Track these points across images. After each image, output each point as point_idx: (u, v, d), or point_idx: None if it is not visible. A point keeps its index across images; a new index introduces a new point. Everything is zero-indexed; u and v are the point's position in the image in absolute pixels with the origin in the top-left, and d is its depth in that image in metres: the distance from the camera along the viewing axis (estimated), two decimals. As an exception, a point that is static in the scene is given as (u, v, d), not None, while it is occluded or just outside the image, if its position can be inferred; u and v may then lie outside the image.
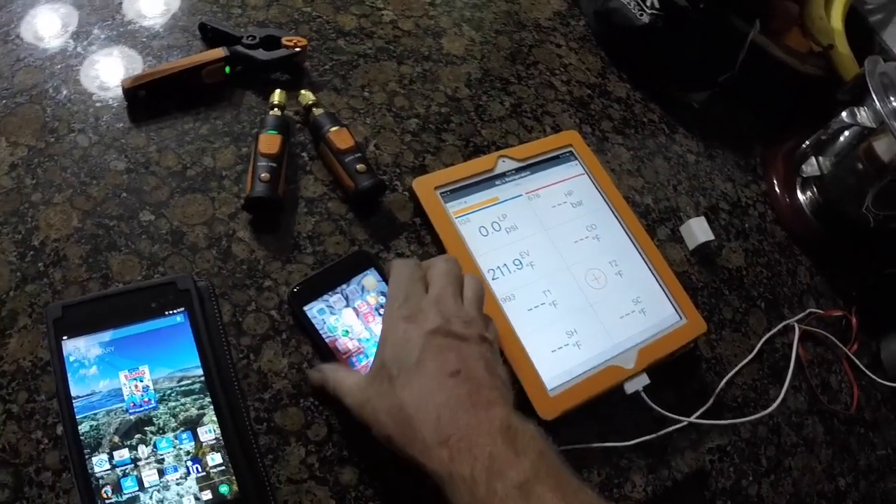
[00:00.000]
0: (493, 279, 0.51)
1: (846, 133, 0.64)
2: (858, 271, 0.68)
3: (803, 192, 0.69)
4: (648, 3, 0.65)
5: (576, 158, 0.60)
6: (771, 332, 0.60)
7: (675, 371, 0.55)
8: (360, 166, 0.51)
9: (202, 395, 0.42)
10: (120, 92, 0.52)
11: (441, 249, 0.52)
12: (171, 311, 0.44)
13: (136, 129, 0.51)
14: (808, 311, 0.64)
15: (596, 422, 0.50)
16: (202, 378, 0.43)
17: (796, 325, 0.61)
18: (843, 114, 0.62)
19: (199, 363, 0.43)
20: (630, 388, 0.51)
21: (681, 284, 0.56)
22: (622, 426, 0.50)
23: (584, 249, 0.56)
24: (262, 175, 0.48)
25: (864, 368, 0.63)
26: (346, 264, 0.49)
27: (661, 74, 0.70)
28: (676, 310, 0.55)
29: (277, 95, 0.53)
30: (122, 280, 0.46)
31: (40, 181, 0.48)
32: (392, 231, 0.53)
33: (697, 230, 0.62)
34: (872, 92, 0.60)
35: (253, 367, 0.46)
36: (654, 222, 0.63)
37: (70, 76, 0.53)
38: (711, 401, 0.55)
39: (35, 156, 0.49)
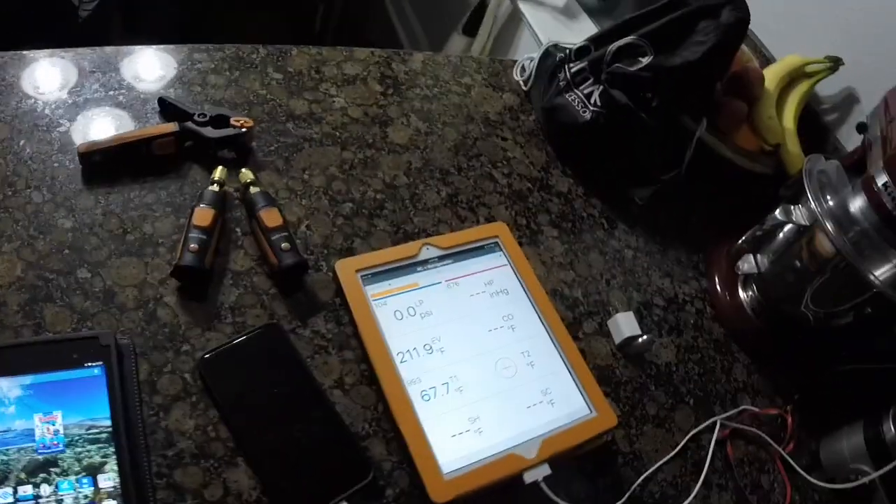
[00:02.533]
0: (401, 362, 0.63)
1: (784, 230, 0.75)
2: (799, 369, 0.78)
3: (745, 289, 0.81)
4: (592, 101, 0.80)
5: (500, 249, 0.72)
6: (698, 429, 0.70)
7: (589, 465, 0.65)
8: (284, 245, 0.63)
9: (107, 445, 0.53)
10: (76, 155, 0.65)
11: (356, 329, 0.64)
12: (89, 364, 0.55)
13: (87, 192, 0.64)
14: (741, 408, 0.73)
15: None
16: (109, 428, 0.53)
17: (719, 421, 0.71)
18: (777, 211, 0.72)
19: (108, 414, 0.54)
20: (529, 477, 0.60)
21: (594, 378, 0.67)
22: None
23: (498, 338, 0.67)
24: (192, 246, 0.61)
25: (798, 469, 0.70)
26: (257, 337, 0.61)
27: (604, 170, 0.84)
28: (586, 402, 0.66)
29: (219, 172, 0.66)
30: (52, 329, 0.57)
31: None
32: (312, 309, 0.65)
33: (624, 325, 0.73)
34: (808, 190, 0.69)
35: (161, 424, 0.56)
36: (581, 315, 0.74)
37: (35, 135, 0.67)
38: (626, 496, 0.63)
39: (-10, 209, 0.62)
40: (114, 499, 0.51)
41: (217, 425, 0.57)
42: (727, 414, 0.72)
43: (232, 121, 0.69)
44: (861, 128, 0.75)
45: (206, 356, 0.59)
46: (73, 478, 0.50)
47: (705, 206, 0.88)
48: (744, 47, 0.87)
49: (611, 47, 0.79)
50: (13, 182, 0.63)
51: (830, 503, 0.72)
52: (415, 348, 0.64)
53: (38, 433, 0.51)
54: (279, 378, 0.61)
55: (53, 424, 0.51)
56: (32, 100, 0.69)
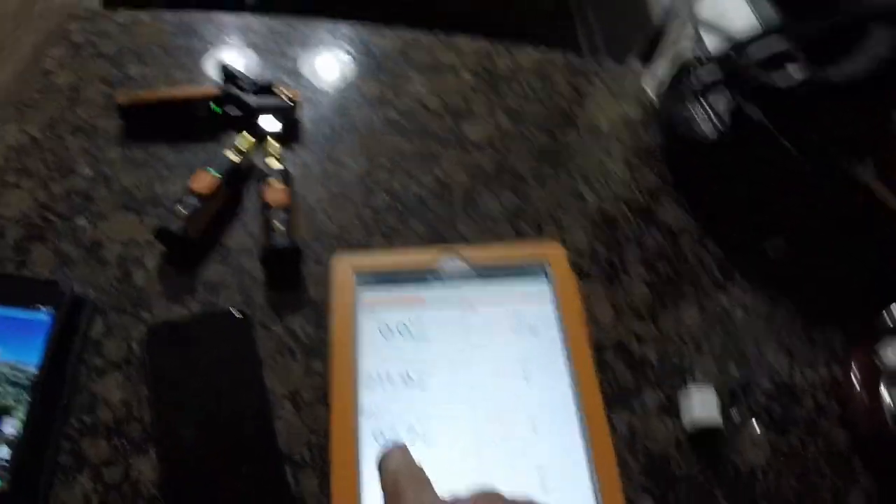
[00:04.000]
0: (365, 386, 0.54)
1: None
2: None
3: (890, 389, 0.58)
4: (722, 117, 0.64)
5: (546, 278, 0.60)
6: None
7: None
8: (278, 225, 0.59)
9: (24, 391, 0.53)
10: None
11: (327, 335, 0.57)
12: (40, 307, 0.56)
13: (116, 144, 0.67)
14: None
15: None
16: (33, 376, 0.53)
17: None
18: None
19: (37, 362, 0.54)
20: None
21: (618, 469, 0.51)
22: None
23: (501, 388, 0.55)
24: (180, 210, 0.60)
25: None
26: (216, 321, 0.57)
27: (733, 211, 0.68)
28: (596, 500, 0.50)
29: (240, 139, 0.65)
30: (34, 268, 0.60)
31: (24, 165, 0.66)
32: (294, 304, 0.60)
33: (698, 403, 0.57)
34: None
35: (91, 387, 0.55)
36: (646, 383, 0.59)
37: (95, 86, 0.72)
38: None
39: (30, 146, 0.67)
40: (7, 445, 0.50)
41: (143, 405, 0.54)
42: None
43: (277, 90, 0.68)
44: None
45: (154, 327, 0.57)
46: (-23, 410, 0.51)
47: (862, 273, 0.67)
48: None
49: (753, 53, 0.63)
50: (57, 125, 0.69)
51: None
52: (388, 374, 0.55)
53: (-34, 358, 0.53)
54: (224, 372, 0.56)
55: (-16, 354, 0.53)
56: (104, 58, 0.75)
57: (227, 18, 0.80)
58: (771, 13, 0.73)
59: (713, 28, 0.75)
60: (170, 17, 0.79)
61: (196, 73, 0.74)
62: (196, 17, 0.79)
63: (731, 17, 0.79)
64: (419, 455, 0.50)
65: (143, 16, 0.78)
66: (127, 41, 0.76)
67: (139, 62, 0.74)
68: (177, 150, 0.68)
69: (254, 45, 0.78)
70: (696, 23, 0.74)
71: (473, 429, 0.53)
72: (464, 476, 0.51)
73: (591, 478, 0.51)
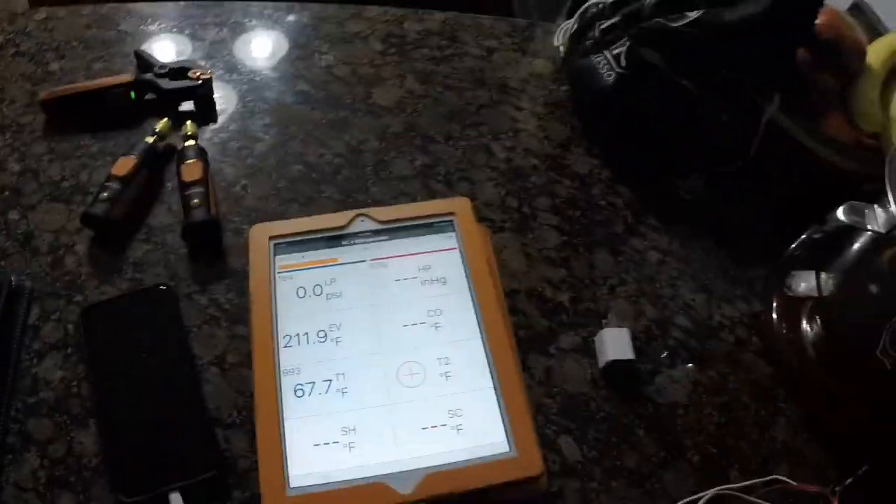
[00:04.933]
0: (285, 346, 0.57)
1: (859, 241, 0.58)
2: (866, 437, 0.58)
3: (811, 321, 0.61)
4: (620, 63, 0.66)
5: (453, 230, 0.63)
6: (696, 497, 0.54)
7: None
8: (195, 201, 0.62)
9: (-32, 379, 0.57)
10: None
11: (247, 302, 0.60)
12: (-23, 299, 0.60)
13: (42, 139, 0.70)
14: (771, 477, 0.56)
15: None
16: (-25, 365, 0.57)
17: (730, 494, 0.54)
18: (840, 210, 0.55)
19: (-21, 351, 0.58)
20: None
21: (529, 408, 0.55)
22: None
23: (413, 337, 0.58)
24: (103, 195, 0.63)
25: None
26: (143, 296, 0.61)
27: (645, 156, 0.70)
28: (507, 437, 0.54)
29: (160, 124, 0.68)
30: (-35, 263, 0.64)
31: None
32: (217, 275, 0.63)
33: (611, 343, 0.60)
34: (889, 186, 0.53)
35: (32, 370, 0.58)
36: (562, 326, 0.62)
37: (19, 84, 0.74)
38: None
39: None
40: (-44, 431, 0.54)
41: (82, 382, 0.58)
42: (746, 483, 0.55)
43: (189, 73, 0.71)
44: None
45: (87, 308, 0.60)
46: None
47: (774, 210, 0.69)
48: (847, 16, 0.67)
49: (651, -1, 0.65)
50: (-15, 128, 0.72)
51: None
52: (307, 333, 0.58)
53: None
54: (153, 344, 0.60)
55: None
56: (25, 56, 0.77)
57: (142, 6, 0.82)
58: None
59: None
60: (86, 10, 0.81)
61: (114, 63, 0.76)
62: (112, 8, 0.81)
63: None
64: (337, 406, 0.54)
65: (60, 11, 0.80)
66: (45, 38, 0.78)
67: (59, 57, 0.76)
68: (99, 139, 0.70)
69: (168, 30, 0.80)
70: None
71: (386, 378, 0.56)
72: (376, 422, 0.54)
73: (503, 417, 0.54)
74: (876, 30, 0.74)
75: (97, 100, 0.70)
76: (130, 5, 0.81)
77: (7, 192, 0.67)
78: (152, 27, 0.80)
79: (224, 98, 0.74)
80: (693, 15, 0.64)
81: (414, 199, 0.67)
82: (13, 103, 0.72)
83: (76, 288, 0.62)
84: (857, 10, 0.73)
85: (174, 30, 0.80)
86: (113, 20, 0.80)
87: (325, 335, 0.58)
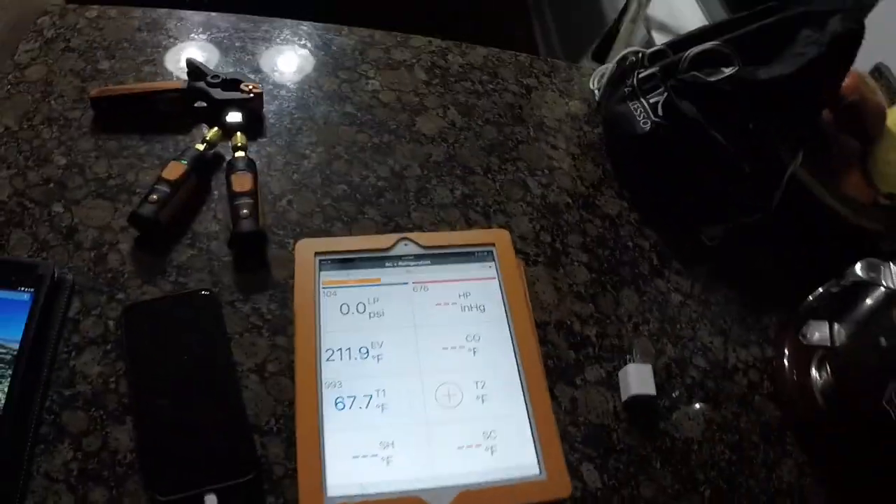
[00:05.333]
0: (327, 359, 0.59)
1: (872, 296, 0.61)
2: (870, 484, 0.61)
3: (820, 369, 0.65)
4: (657, 112, 0.70)
5: (493, 260, 0.65)
6: None
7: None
8: (245, 211, 0.64)
9: (7, 367, 0.56)
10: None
11: (291, 313, 0.61)
12: (21, 289, 0.60)
13: (90, 135, 0.71)
14: None
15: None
16: (15, 351, 0.57)
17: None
18: (858, 266, 0.60)
19: (19, 339, 0.58)
20: (427, 534, 0.53)
21: (558, 435, 0.57)
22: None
23: (451, 360, 0.60)
24: (152, 197, 0.64)
25: None
26: (187, 300, 0.61)
27: (672, 201, 0.74)
28: (537, 460, 0.56)
29: (210, 133, 0.69)
30: (12, 252, 0.63)
31: (1, 155, 0.69)
32: (260, 285, 0.64)
33: (634, 378, 0.63)
34: None
35: (69, 363, 0.59)
36: (587, 359, 0.65)
37: (67, 79, 0.75)
38: None
39: (6, 136, 0.70)
40: (-9, 417, 0.54)
41: (120, 378, 0.58)
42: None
43: (241, 85, 0.72)
44: None
45: (130, 306, 0.61)
46: (-37, 386, 0.54)
47: (792, 260, 0.74)
48: (870, 79, 0.72)
49: (688, 52, 0.69)
50: (32, 117, 0.72)
51: None
52: (349, 348, 0.60)
53: (-49, 336, 0.56)
54: (194, 347, 0.60)
55: (-32, 332, 0.56)
56: (75, 53, 0.78)
57: (193, 14, 0.84)
58: (722, 14, 0.80)
59: (665, 28, 0.82)
60: (137, 13, 0.82)
61: (163, 68, 0.77)
62: (162, 14, 0.82)
63: (682, 17, 0.85)
64: (376, 420, 0.56)
65: (111, 11, 0.81)
66: (96, 36, 0.79)
67: (109, 56, 0.77)
68: (147, 141, 0.71)
69: (218, 41, 0.81)
70: (648, 24, 0.80)
71: (425, 397, 0.58)
72: (414, 439, 0.56)
73: (535, 441, 0.56)
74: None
75: (148, 102, 0.71)
76: (182, 12, 0.83)
77: (52, 185, 0.67)
78: (202, 35, 0.81)
79: (271, 113, 0.75)
80: (728, 71, 0.68)
81: (453, 227, 0.70)
82: (61, 97, 0.73)
83: (118, 286, 0.63)
84: (879, 73, 0.78)
85: (224, 41, 0.81)
86: (164, 25, 0.81)
87: (367, 352, 0.60)
